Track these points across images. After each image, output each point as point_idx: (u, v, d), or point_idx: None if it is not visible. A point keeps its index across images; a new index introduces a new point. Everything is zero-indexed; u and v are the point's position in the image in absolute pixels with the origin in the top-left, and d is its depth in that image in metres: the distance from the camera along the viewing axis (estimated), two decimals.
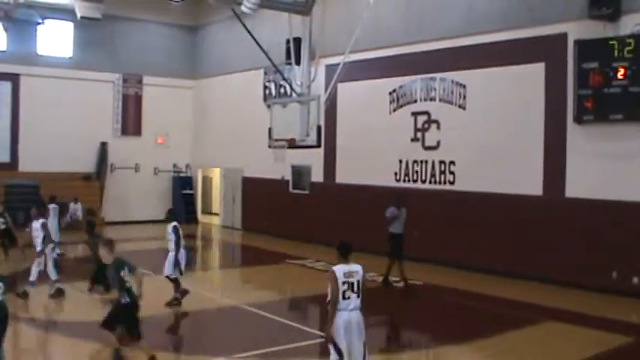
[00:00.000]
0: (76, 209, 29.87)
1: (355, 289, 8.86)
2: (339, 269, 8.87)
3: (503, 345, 13.08)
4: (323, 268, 20.46)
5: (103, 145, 32.65)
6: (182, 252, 15.44)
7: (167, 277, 15.42)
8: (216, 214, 34.74)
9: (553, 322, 14.67)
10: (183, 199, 34.29)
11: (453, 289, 18.22)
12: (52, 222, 20.99)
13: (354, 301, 8.86)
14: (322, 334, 9.14)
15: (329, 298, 8.86)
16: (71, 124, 31.57)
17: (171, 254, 15.30)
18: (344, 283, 8.80)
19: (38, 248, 15.87)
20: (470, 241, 20.22)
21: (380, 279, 18.39)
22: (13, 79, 30.75)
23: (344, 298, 8.80)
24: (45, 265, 16.00)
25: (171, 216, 15.90)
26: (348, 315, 8.82)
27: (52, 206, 21.74)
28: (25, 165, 30.81)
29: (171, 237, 15.33)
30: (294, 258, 22.36)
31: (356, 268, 8.95)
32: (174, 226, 15.39)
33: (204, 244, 30.04)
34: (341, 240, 9.21)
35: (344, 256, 9.01)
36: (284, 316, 14.73)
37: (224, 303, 16.35)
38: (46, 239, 15.96)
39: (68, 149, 31.42)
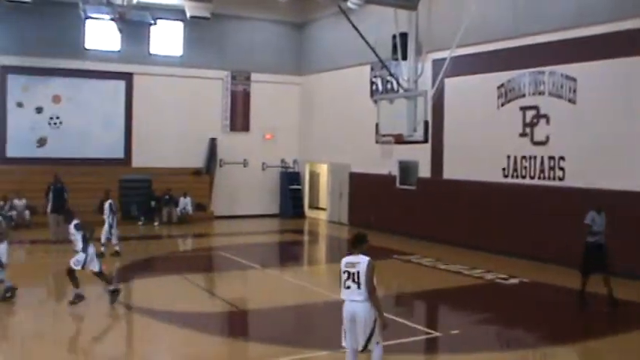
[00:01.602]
0: (186, 203, 30.75)
1: (356, 279, 8.98)
2: (344, 259, 9.13)
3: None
4: (430, 265, 20.39)
5: (213, 141, 33.27)
6: None
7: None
8: (323, 209, 35.04)
9: None
10: (290, 194, 34.60)
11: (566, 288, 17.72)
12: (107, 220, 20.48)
13: (356, 291, 8.99)
14: None
15: None
16: (181, 120, 32.48)
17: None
18: (344, 272, 9.04)
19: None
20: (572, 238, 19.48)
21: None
22: (127, 78, 31.82)
23: (344, 287, 9.03)
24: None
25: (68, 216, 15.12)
26: (351, 305, 9.01)
27: (108, 202, 20.65)
28: (138, 161, 31.83)
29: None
30: (401, 254, 22.28)
31: (360, 259, 9.07)
32: (76, 224, 14.54)
33: (311, 239, 30.33)
34: (356, 231, 9.57)
35: (352, 247, 9.28)
36: (390, 312, 14.56)
37: (330, 297, 16.41)
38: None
39: (179, 145, 32.31)
